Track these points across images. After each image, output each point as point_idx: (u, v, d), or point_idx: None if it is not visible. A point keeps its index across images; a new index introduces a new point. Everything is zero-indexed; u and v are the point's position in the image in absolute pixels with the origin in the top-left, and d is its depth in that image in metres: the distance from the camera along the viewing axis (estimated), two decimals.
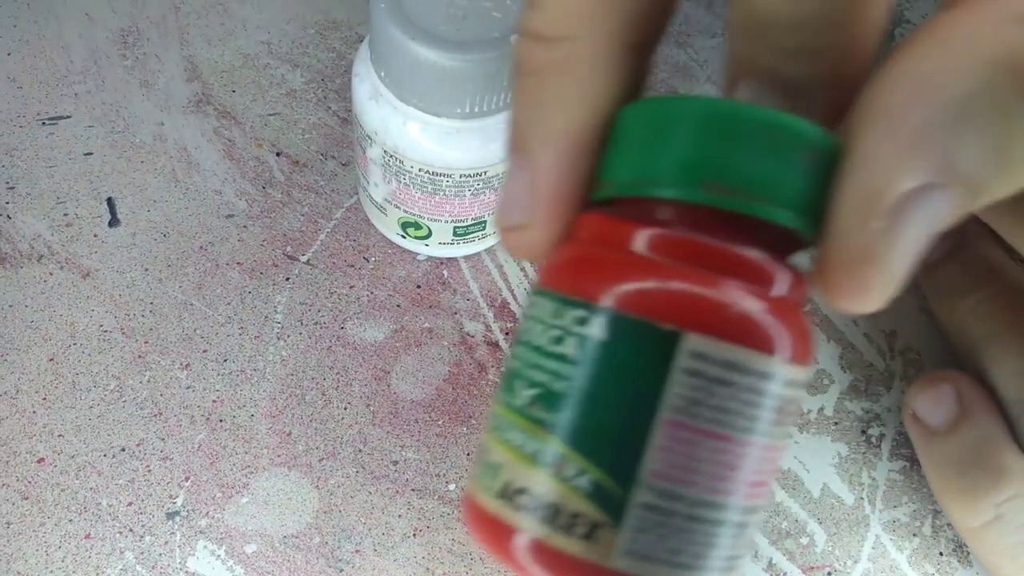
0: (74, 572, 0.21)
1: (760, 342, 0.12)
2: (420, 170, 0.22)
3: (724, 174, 0.12)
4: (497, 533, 0.13)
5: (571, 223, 0.14)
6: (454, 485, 0.23)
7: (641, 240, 0.12)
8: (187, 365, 0.24)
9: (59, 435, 0.23)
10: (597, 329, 0.12)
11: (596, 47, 0.13)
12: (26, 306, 0.25)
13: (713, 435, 0.12)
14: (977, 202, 0.12)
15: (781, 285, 0.12)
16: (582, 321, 0.12)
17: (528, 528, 0.12)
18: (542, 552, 0.12)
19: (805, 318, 0.13)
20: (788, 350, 0.12)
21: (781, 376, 0.12)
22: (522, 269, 0.27)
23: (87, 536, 0.21)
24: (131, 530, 0.22)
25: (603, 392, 0.12)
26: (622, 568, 0.12)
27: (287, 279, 0.26)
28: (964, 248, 0.24)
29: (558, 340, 0.12)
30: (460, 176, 0.23)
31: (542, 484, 0.12)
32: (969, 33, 0.12)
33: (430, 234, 0.25)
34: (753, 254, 0.12)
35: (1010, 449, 0.21)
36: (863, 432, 0.25)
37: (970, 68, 0.12)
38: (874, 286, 0.12)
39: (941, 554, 0.23)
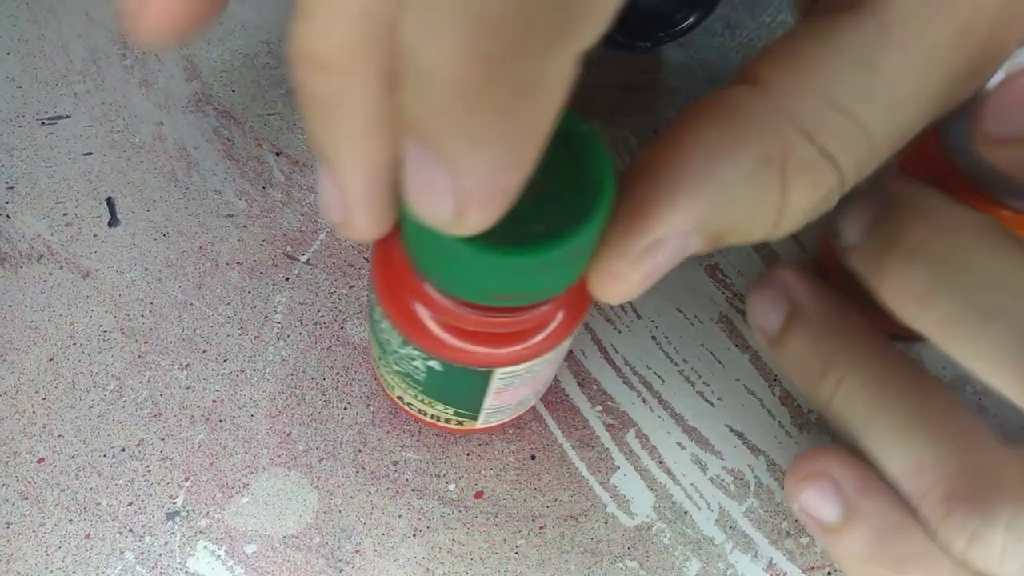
0: (74, 572, 0.21)
1: (534, 356, 0.18)
2: None
3: (505, 290, 0.15)
4: (410, 415, 0.23)
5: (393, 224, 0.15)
6: (454, 485, 0.23)
7: (444, 316, 0.17)
8: (187, 365, 0.24)
9: (59, 435, 0.23)
10: (437, 365, 0.18)
11: (367, 83, 0.13)
12: (26, 306, 0.25)
13: (519, 387, 0.20)
14: (716, 248, 0.16)
15: (549, 317, 0.18)
16: (425, 358, 0.18)
17: (431, 417, 0.22)
18: (442, 426, 0.22)
19: (564, 321, 0.18)
20: (552, 349, 0.18)
21: (553, 356, 0.19)
22: None
23: (87, 536, 0.21)
24: (131, 530, 0.22)
25: (452, 387, 0.19)
26: (480, 425, 0.22)
27: (287, 279, 0.26)
28: (802, 314, 0.21)
29: (411, 359, 0.19)
30: None
31: (429, 410, 0.21)
32: (753, 124, 0.15)
33: None
34: (528, 318, 0.17)
35: (906, 532, 0.19)
36: None
37: (746, 156, 0.15)
38: (619, 296, 0.16)
39: None
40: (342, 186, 0.14)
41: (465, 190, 0.11)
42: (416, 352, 0.18)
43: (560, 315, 0.18)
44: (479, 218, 0.12)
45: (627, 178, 0.15)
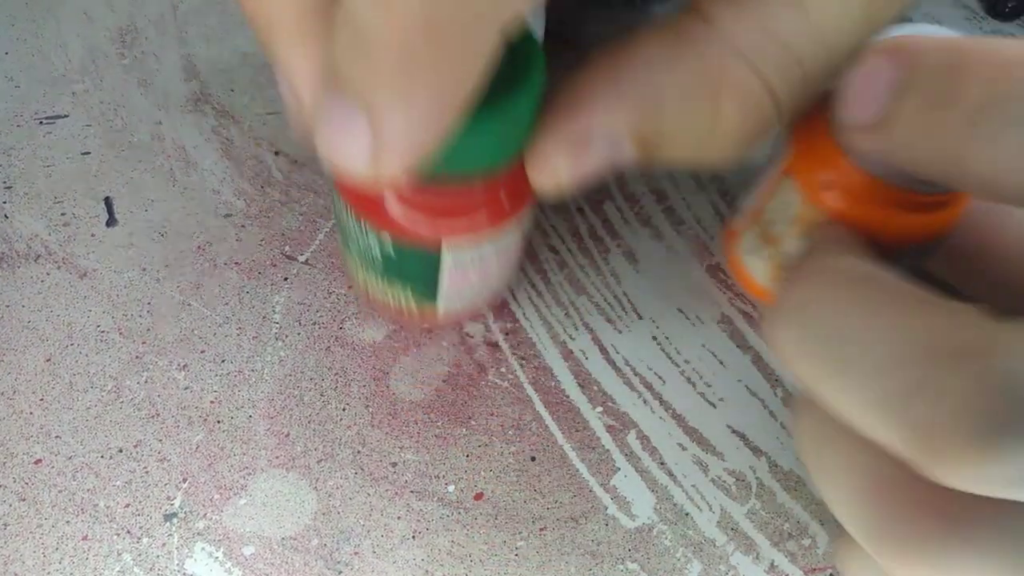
0: (72, 574, 0.21)
1: (477, 231, 0.19)
2: None
3: (435, 159, 0.16)
4: (382, 308, 0.25)
5: None
6: (453, 486, 0.23)
7: (397, 197, 0.19)
8: (185, 366, 0.24)
9: (56, 436, 0.23)
10: (391, 250, 0.20)
11: (295, 10, 0.14)
12: (23, 306, 0.24)
13: (469, 272, 0.21)
14: (650, 160, 0.17)
15: (491, 197, 0.19)
16: (379, 241, 0.20)
17: (394, 304, 0.23)
18: (407, 313, 0.24)
19: (506, 202, 0.19)
20: (495, 227, 0.20)
21: (503, 244, 0.21)
22: (521, 269, 0.27)
23: (85, 538, 0.21)
24: (129, 532, 0.22)
25: (406, 266, 0.21)
26: (441, 312, 0.23)
27: (285, 279, 0.26)
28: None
29: (367, 239, 0.20)
30: None
31: (394, 297, 0.23)
32: (694, 45, 0.16)
33: None
34: (468, 196, 0.19)
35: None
36: None
37: (684, 70, 0.16)
38: (550, 181, 0.17)
39: None
40: (292, 88, 0.15)
41: (385, 143, 0.13)
42: (371, 231, 0.20)
43: (503, 196, 0.19)
44: (394, 168, 0.13)
45: (572, 79, 0.17)
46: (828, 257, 0.17)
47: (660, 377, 0.25)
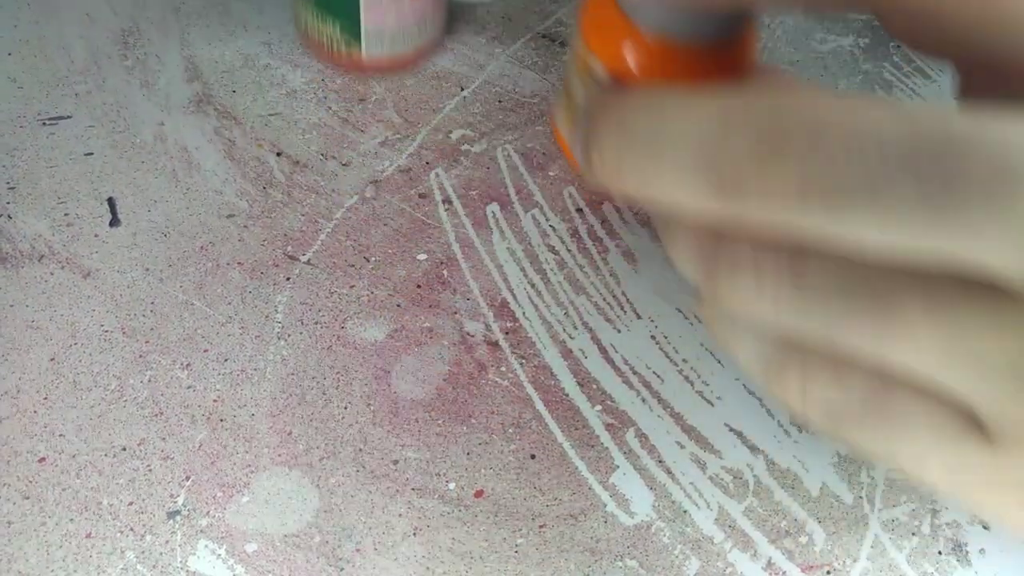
0: (75, 571, 0.21)
1: None
2: None
3: None
4: (319, 50, 0.31)
5: None
6: (454, 484, 0.23)
7: None
8: (188, 365, 0.24)
9: (60, 434, 0.23)
10: None
11: None
12: (27, 306, 0.25)
13: (388, 8, 0.28)
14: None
15: None
16: None
17: (327, 44, 0.30)
18: (337, 54, 0.30)
19: None
20: None
21: None
22: (522, 269, 0.27)
23: (88, 535, 0.22)
24: (132, 529, 0.22)
25: (334, 2, 0.28)
26: (364, 55, 0.30)
27: (288, 279, 0.26)
28: None
29: None
30: None
31: (327, 36, 0.29)
32: None
33: None
34: None
35: None
36: None
37: None
38: None
39: (940, 553, 0.23)
40: None
41: None
42: None
43: None
44: None
45: None
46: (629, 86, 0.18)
47: (659, 376, 0.25)
